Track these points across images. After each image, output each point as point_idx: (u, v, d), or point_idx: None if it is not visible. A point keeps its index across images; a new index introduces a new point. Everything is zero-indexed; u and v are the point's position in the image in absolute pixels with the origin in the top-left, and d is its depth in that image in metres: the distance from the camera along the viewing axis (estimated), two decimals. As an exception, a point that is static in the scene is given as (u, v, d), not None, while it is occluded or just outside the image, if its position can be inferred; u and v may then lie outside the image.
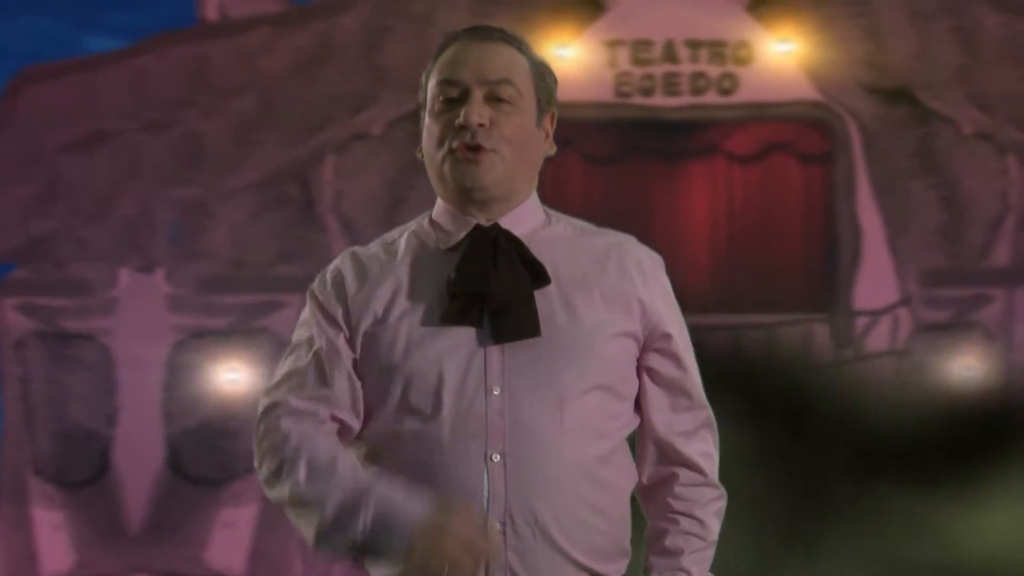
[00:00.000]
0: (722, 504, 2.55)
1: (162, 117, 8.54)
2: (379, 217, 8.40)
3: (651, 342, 2.51)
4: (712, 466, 2.56)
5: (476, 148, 2.43)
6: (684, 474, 2.52)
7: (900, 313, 8.76)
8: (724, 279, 9.33)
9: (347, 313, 2.48)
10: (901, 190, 8.75)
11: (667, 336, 2.51)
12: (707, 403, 2.56)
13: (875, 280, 8.84)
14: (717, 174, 9.59)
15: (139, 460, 8.31)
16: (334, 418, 2.44)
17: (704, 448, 2.57)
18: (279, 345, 9.23)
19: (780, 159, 9.51)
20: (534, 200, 2.54)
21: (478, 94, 2.43)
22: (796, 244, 9.32)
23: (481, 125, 2.42)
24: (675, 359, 2.52)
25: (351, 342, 2.46)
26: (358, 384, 2.44)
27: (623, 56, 8.82)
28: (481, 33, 2.49)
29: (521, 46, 2.51)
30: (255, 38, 8.60)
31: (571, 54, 8.54)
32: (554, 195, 2.71)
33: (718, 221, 9.35)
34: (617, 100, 8.77)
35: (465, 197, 2.47)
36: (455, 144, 2.43)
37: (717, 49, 8.76)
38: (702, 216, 9.64)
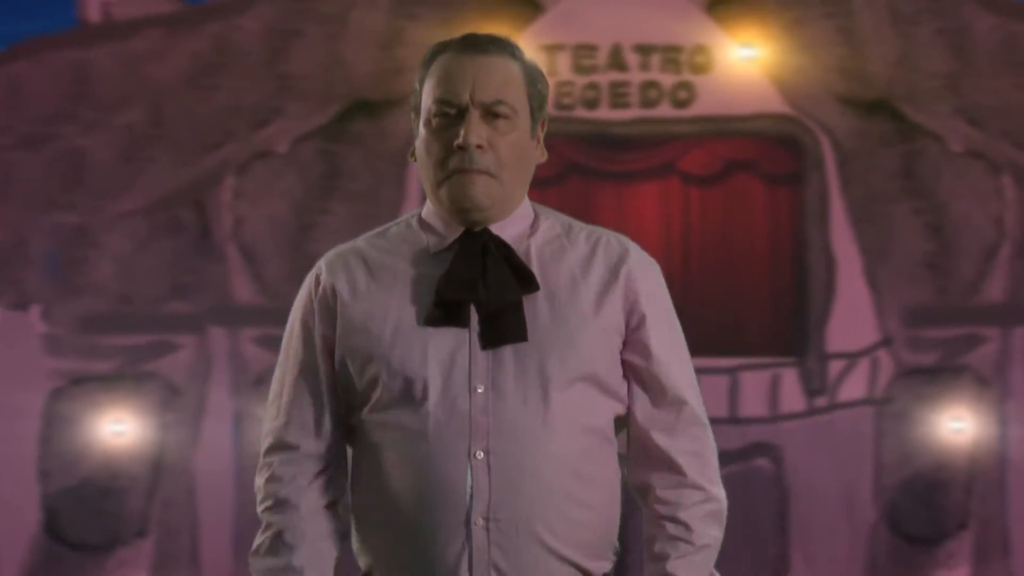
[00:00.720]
0: (714, 506, 2.60)
1: (38, 132, 8.08)
2: (284, 246, 8.13)
3: (632, 335, 2.63)
4: (699, 466, 2.63)
5: (473, 170, 2.57)
6: (665, 476, 2.61)
7: (880, 356, 8.43)
8: (679, 317, 8.51)
9: (331, 319, 2.63)
10: (881, 215, 8.43)
11: (646, 330, 2.63)
12: (697, 400, 2.67)
13: (851, 318, 8.50)
14: (671, 197, 9.33)
15: (11, 523, 7.88)
16: (309, 454, 2.62)
17: (690, 447, 2.65)
18: (170, 391, 8.35)
19: (743, 180, 9.25)
20: (525, 204, 2.67)
21: (475, 114, 2.56)
22: (761, 277, 9.09)
23: (479, 147, 2.55)
24: (653, 353, 2.63)
25: (330, 350, 2.63)
26: (329, 403, 2.63)
27: (564, 63, 8.44)
28: (475, 45, 2.59)
29: (514, 51, 2.63)
30: (143, 42, 8.16)
31: (495, 55, 7.74)
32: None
33: (672, 250, 9.13)
34: (557, 113, 8.29)
35: (461, 215, 2.61)
36: (453, 165, 2.57)
37: (671, 55, 8.43)
38: (654, 245, 9.25)
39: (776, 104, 8.49)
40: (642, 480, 2.63)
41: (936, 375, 8.27)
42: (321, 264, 2.67)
